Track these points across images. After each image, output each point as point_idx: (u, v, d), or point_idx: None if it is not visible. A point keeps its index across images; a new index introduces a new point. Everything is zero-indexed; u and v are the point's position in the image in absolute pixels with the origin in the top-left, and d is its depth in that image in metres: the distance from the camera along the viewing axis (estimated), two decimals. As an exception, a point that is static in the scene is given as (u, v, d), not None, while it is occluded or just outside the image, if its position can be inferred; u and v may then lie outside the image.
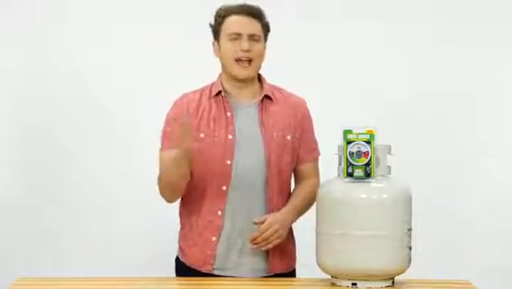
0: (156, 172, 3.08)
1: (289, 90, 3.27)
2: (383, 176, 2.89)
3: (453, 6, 4.59)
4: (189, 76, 3.63)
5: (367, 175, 2.87)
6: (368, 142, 2.87)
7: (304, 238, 3.25)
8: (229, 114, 3.15)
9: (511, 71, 4.59)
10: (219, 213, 3.13)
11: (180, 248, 3.24)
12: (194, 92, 3.22)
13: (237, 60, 3.12)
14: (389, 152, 2.92)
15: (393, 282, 2.92)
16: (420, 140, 4.55)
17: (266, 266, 3.17)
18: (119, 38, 4.56)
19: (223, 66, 3.19)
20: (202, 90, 3.22)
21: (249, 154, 3.12)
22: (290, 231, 3.24)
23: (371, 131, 2.88)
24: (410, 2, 4.61)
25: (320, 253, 2.92)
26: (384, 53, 4.59)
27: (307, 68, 4.52)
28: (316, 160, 3.28)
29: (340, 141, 2.90)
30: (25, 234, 4.53)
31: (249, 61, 3.12)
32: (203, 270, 3.16)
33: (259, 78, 3.24)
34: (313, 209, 3.01)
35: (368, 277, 2.86)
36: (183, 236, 3.23)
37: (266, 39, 3.19)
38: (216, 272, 3.15)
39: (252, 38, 3.12)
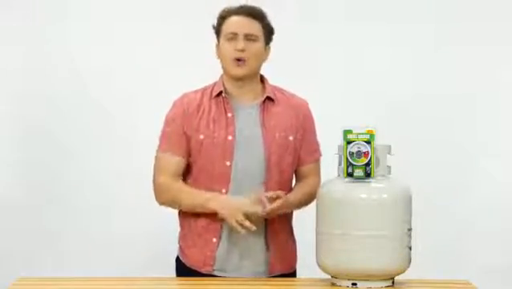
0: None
1: (290, 90, 3.27)
2: (383, 176, 2.89)
3: (454, 7, 4.58)
4: (189, 76, 3.63)
5: (367, 175, 2.86)
6: (368, 142, 2.87)
7: (304, 238, 3.25)
8: (229, 115, 3.14)
9: (511, 71, 4.59)
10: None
11: (181, 248, 3.23)
12: (195, 92, 3.20)
13: (234, 60, 3.11)
14: (389, 152, 2.92)
15: (393, 282, 2.92)
16: (420, 140, 4.55)
17: (267, 268, 3.16)
18: (119, 38, 4.56)
19: (222, 66, 3.19)
20: (204, 90, 3.21)
21: (248, 155, 3.11)
22: (291, 232, 3.24)
23: (372, 131, 2.88)
24: (411, 3, 4.61)
25: (320, 253, 2.92)
26: (384, 54, 4.59)
27: (308, 69, 4.51)
28: (317, 161, 3.26)
29: (340, 141, 2.90)
30: (25, 234, 4.53)
31: (245, 60, 3.12)
32: (203, 270, 3.15)
33: (261, 79, 3.23)
34: (313, 209, 3.01)
35: (368, 277, 2.86)
36: (183, 236, 3.22)
37: (268, 41, 3.18)
38: (216, 273, 3.14)
39: (248, 37, 3.11)
